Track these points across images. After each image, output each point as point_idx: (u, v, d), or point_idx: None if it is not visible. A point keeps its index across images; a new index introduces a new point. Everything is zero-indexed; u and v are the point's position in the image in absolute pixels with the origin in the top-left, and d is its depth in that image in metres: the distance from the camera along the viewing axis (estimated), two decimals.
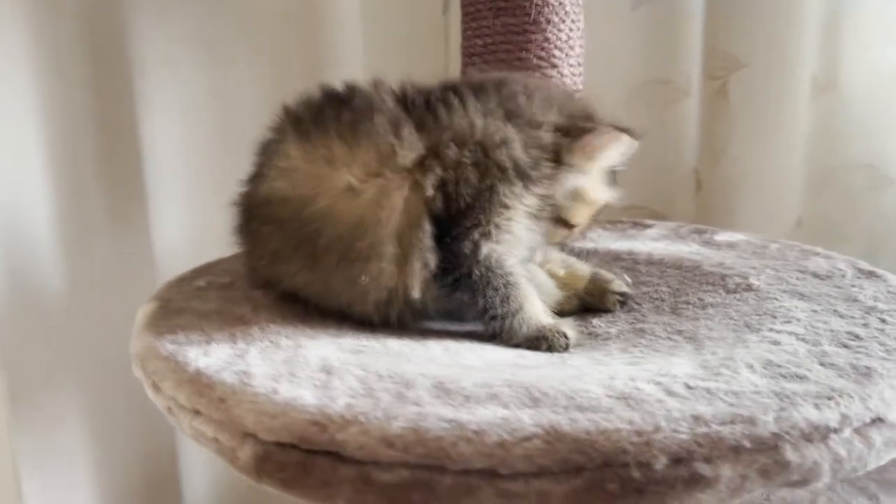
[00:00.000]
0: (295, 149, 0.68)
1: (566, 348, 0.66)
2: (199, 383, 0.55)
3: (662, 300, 0.76)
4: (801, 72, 1.21)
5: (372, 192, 0.65)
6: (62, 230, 1.03)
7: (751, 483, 0.46)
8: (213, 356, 0.59)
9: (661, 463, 0.45)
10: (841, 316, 0.65)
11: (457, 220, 0.65)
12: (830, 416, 0.48)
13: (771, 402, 0.49)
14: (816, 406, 0.49)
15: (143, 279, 1.07)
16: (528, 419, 0.47)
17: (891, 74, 1.20)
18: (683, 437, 0.46)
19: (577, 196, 0.71)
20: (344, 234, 0.65)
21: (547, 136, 0.68)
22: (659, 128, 1.28)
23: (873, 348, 0.58)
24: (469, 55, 0.93)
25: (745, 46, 1.22)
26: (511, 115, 0.68)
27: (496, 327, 0.66)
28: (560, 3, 0.89)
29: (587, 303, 0.76)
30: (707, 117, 1.29)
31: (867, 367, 0.54)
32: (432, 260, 0.65)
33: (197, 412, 0.54)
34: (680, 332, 0.66)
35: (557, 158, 0.69)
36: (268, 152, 0.71)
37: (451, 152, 0.65)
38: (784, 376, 0.53)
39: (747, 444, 0.46)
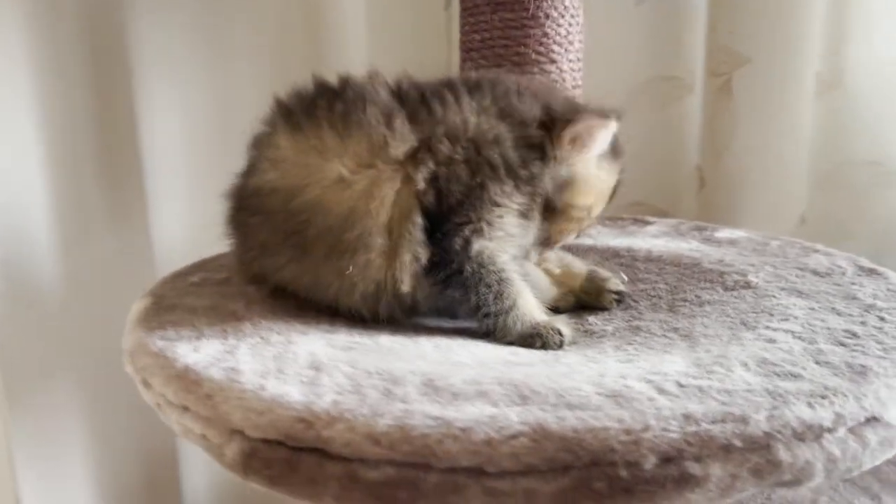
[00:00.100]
0: (285, 139, 0.67)
1: (561, 346, 0.65)
2: (187, 379, 0.54)
3: (660, 297, 0.75)
4: (805, 68, 1.20)
5: (363, 183, 0.64)
6: (61, 227, 1.03)
7: (742, 483, 0.46)
8: (202, 352, 0.58)
9: (650, 462, 0.44)
10: (839, 314, 0.64)
11: (448, 215, 0.65)
12: (824, 416, 0.47)
13: (763, 401, 0.48)
14: (810, 405, 0.48)
15: (143, 276, 1.07)
16: (515, 417, 0.47)
17: None
18: (673, 435, 0.45)
19: (569, 188, 0.70)
20: (333, 225, 0.64)
21: (536, 135, 0.68)
22: (662, 125, 1.27)
23: (870, 346, 0.57)
24: (467, 50, 0.93)
25: (748, 42, 1.20)
26: (504, 114, 0.68)
27: (489, 324, 0.66)
28: None
29: (583, 300, 0.75)
30: (710, 114, 1.28)
31: (863, 366, 0.53)
32: (423, 254, 0.65)
33: (185, 408, 0.54)
34: (676, 330, 0.65)
35: (545, 157, 0.68)
36: (259, 144, 0.71)
37: (444, 147, 0.65)
38: (778, 374, 0.52)
39: (738, 443, 0.45)
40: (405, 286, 0.65)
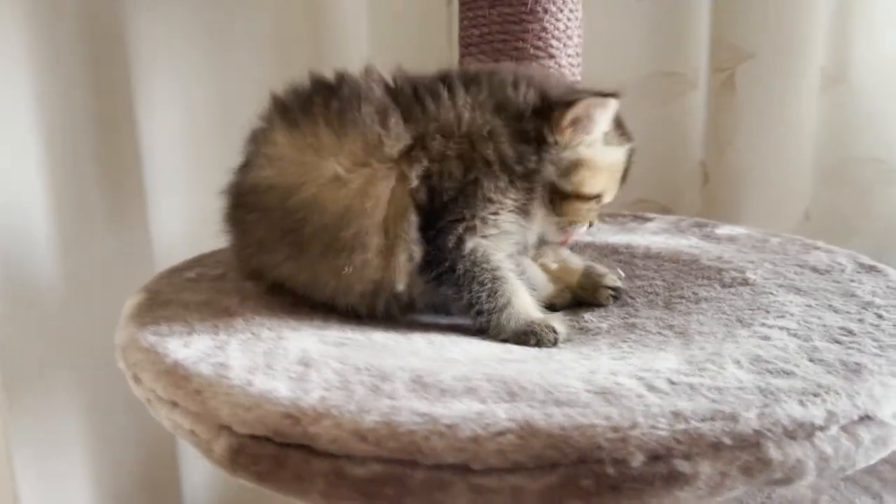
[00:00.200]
0: (282, 136, 0.67)
1: (555, 343, 0.65)
2: (176, 375, 0.54)
3: (657, 294, 0.74)
4: (809, 62, 1.19)
5: (359, 181, 0.64)
6: (60, 226, 1.03)
7: (732, 481, 0.45)
8: (192, 347, 0.58)
9: (637, 460, 0.44)
10: (836, 311, 0.64)
11: (441, 213, 0.64)
12: (816, 414, 0.47)
13: (755, 399, 0.48)
14: (802, 403, 0.47)
15: (142, 274, 1.06)
16: (503, 414, 0.46)
17: None
18: (662, 433, 0.45)
19: (577, 168, 0.69)
20: (329, 223, 0.64)
21: (530, 126, 0.67)
22: (665, 121, 1.26)
23: (866, 344, 0.56)
24: (466, 45, 0.92)
25: (751, 37, 1.20)
26: (500, 108, 0.67)
27: (483, 322, 0.65)
28: None
29: (580, 297, 0.75)
30: (713, 109, 1.27)
31: (857, 364, 0.53)
32: (417, 252, 0.64)
33: (175, 404, 0.54)
34: (671, 327, 0.65)
35: (542, 147, 0.67)
36: (256, 140, 0.70)
37: (437, 144, 0.64)
38: (771, 372, 0.52)
39: (728, 441, 0.45)
40: (401, 285, 0.65)
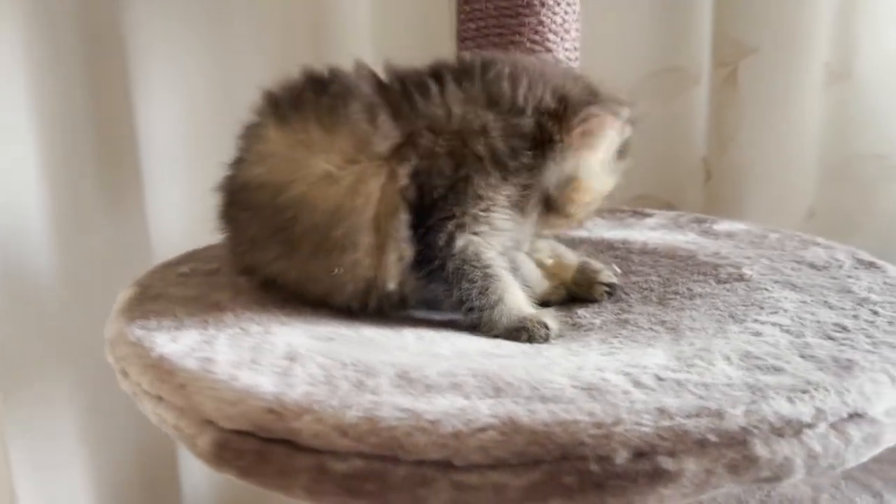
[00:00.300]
0: (274, 132, 0.67)
1: (547, 339, 0.64)
2: (162, 369, 0.54)
3: (651, 290, 0.74)
4: (812, 57, 1.18)
5: (349, 179, 0.63)
6: (58, 222, 1.02)
7: (717, 478, 0.44)
8: (180, 342, 0.58)
9: (621, 456, 0.43)
10: (831, 307, 0.63)
11: (431, 210, 0.64)
12: (804, 411, 0.46)
13: (742, 395, 0.47)
14: (790, 399, 0.47)
15: (140, 269, 1.06)
16: (486, 409, 0.46)
17: None
18: (646, 429, 0.44)
19: (571, 184, 0.68)
20: (319, 222, 0.64)
21: (529, 124, 0.66)
22: (668, 117, 1.25)
23: (859, 340, 0.55)
24: (463, 39, 0.92)
25: (754, 31, 1.19)
26: (493, 102, 0.66)
27: (474, 319, 0.65)
28: None
29: (574, 293, 0.74)
30: (716, 105, 1.26)
31: (849, 360, 0.52)
32: (408, 251, 0.64)
33: (160, 398, 0.54)
34: (663, 323, 0.64)
35: (544, 143, 0.67)
36: (248, 136, 0.70)
37: (425, 141, 0.64)
38: (760, 368, 0.51)
39: (713, 438, 0.44)
40: (392, 284, 0.65)
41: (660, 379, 0.50)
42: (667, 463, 0.43)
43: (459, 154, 0.64)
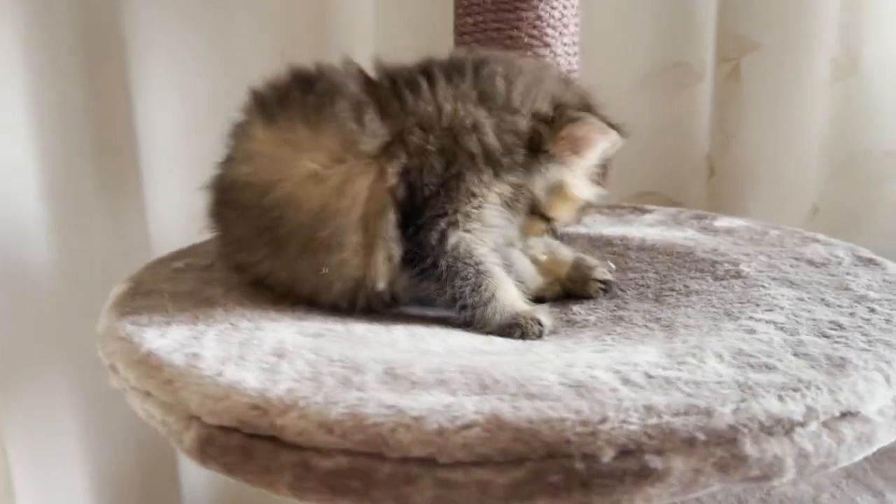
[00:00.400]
0: (260, 131, 0.66)
1: (540, 336, 0.64)
2: (149, 364, 0.54)
3: (647, 287, 0.73)
4: (817, 54, 1.16)
5: (336, 178, 0.63)
6: (56, 217, 1.02)
7: (706, 477, 0.44)
8: (168, 337, 0.58)
9: (607, 455, 0.43)
10: (827, 305, 0.62)
11: (422, 209, 0.63)
12: (794, 409, 0.45)
13: (731, 393, 0.46)
14: (780, 398, 0.46)
15: (138, 263, 1.06)
16: (471, 406, 0.45)
17: None
18: (633, 427, 0.43)
19: (556, 190, 0.68)
20: (305, 222, 0.63)
21: (523, 123, 0.66)
22: (671, 113, 1.24)
23: (854, 338, 0.55)
24: (460, 34, 0.91)
25: (758, 26, 1.17)
26: (485, 98, 0.66)
27: (467, 316, 0.64)
28: None
29: (569, 289, 0.74)
30: (719, 101, 1.24)
31: (843, 358, 0.51)
32: (397, 251, 0.63)
33: (147, 394, 0.54)
34: (658, 320, 0.64)
35: (537, 147, 0.66)
36: (236, 135, 0.70)
37: (416, 138, 0.63)
38: (752, 366, 0.50)
39: (702, 436, 0.43)
40: (381, 284, 0.64)
41: (649, 376, 0.49)
42: (654, 461, 0.43)
43: (451, 151, 0.64)
